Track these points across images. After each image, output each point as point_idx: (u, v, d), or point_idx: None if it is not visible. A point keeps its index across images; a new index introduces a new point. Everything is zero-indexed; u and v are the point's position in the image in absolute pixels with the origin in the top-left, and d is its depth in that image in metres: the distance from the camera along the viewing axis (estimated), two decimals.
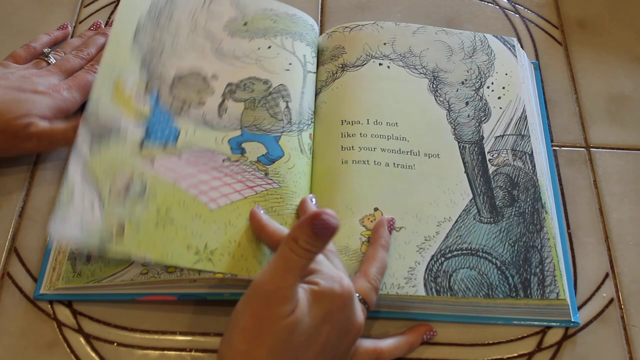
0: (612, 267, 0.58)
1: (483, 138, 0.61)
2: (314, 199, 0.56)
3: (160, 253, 0.51)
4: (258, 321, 0.43)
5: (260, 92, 0.62)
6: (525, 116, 0.63)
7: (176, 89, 0.60)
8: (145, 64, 0.59)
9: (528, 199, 0.58)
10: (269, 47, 0.65)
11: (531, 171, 0.60)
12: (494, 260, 0.54)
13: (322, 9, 0.74)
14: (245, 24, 0.66)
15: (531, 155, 0.60)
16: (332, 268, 0.47)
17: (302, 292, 0.45)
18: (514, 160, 0.60)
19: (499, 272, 0.54)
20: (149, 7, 0.62)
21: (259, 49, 0.64)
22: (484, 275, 0.54)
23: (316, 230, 0.42)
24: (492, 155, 0.60)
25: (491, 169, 0.59)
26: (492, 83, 0.65)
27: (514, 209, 0.57)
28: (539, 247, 0.55)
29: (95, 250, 0.52)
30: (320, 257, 0.48)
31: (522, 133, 0.62)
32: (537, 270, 0.54)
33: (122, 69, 0.57)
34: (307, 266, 0.44)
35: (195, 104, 0.60)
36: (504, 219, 0.57)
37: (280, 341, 0.43)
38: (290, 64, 0.64)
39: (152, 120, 0.57)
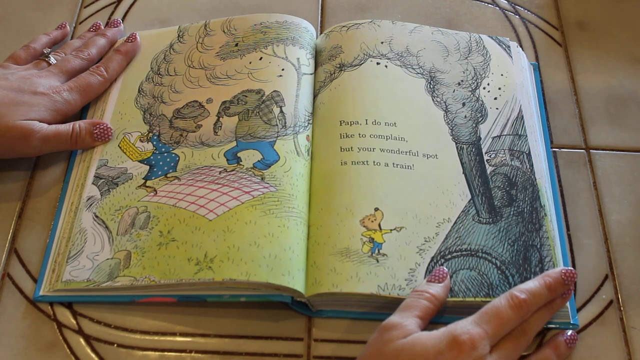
0: (611, 268, 0.58)
1: (480, 139, 0.61)
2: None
3: (162, 271, 0.53)
4: None
5: (253, 102, 0.62)
6: (522, 116, 0.63)
7: (175, 121, 0.62)
8: (147, 117, 0.63)
9: (526, 199, 0.58)
10: (260, 59, 0.65)
11: (529, 170, 0.60)
12: (493, 260, 0.54)
13: (322, 9, 0.74)
14: (236, 44, 0.66)
15: (529, 154, 0.60)
16: None
17: None
18: (511, 160, 0.60)
19: (499, 271, 0.54)
20: (149, 68, 0.66)
21: (250, 62, 0.65)
22: (484, 276, 0.54)
23: None
24: (490, 156, 0.60)
25: (489, 169, 0.59)
26: (488, 84, 0.65)
27: (512, 209, 0.57)
28: (538, 246, 0.55)
29: (104, 281, 0.54)
30: None
31: (519, 133, 0.62)
32: (537, 269, 0.54)
33: (126, 126, 0.63)
34: None
35: (192, 129, 0.62)
36: (503, 219, 0.57)
37: None
38: (282, 69, 0.64)
39: (155, 157, 0.60)
